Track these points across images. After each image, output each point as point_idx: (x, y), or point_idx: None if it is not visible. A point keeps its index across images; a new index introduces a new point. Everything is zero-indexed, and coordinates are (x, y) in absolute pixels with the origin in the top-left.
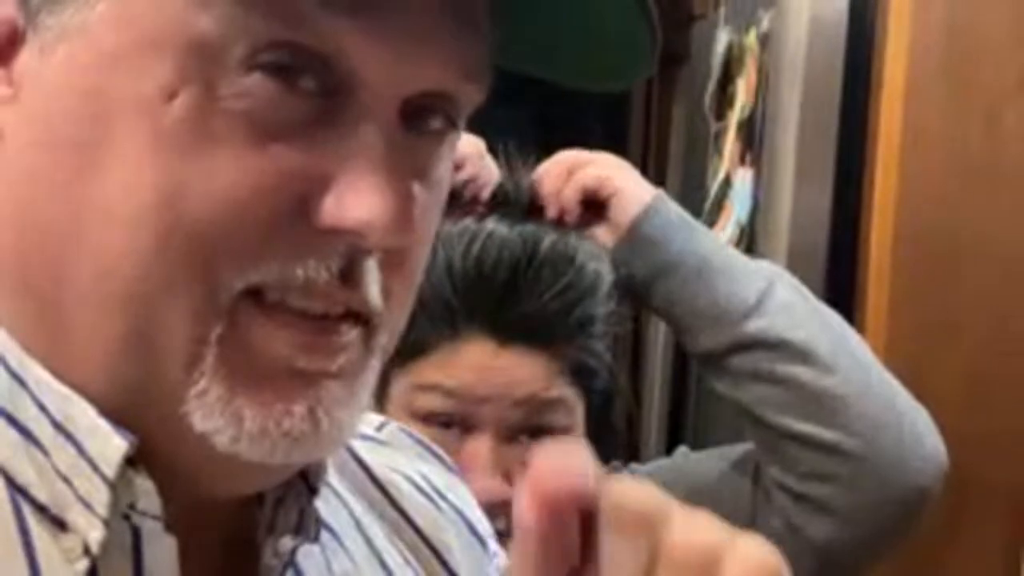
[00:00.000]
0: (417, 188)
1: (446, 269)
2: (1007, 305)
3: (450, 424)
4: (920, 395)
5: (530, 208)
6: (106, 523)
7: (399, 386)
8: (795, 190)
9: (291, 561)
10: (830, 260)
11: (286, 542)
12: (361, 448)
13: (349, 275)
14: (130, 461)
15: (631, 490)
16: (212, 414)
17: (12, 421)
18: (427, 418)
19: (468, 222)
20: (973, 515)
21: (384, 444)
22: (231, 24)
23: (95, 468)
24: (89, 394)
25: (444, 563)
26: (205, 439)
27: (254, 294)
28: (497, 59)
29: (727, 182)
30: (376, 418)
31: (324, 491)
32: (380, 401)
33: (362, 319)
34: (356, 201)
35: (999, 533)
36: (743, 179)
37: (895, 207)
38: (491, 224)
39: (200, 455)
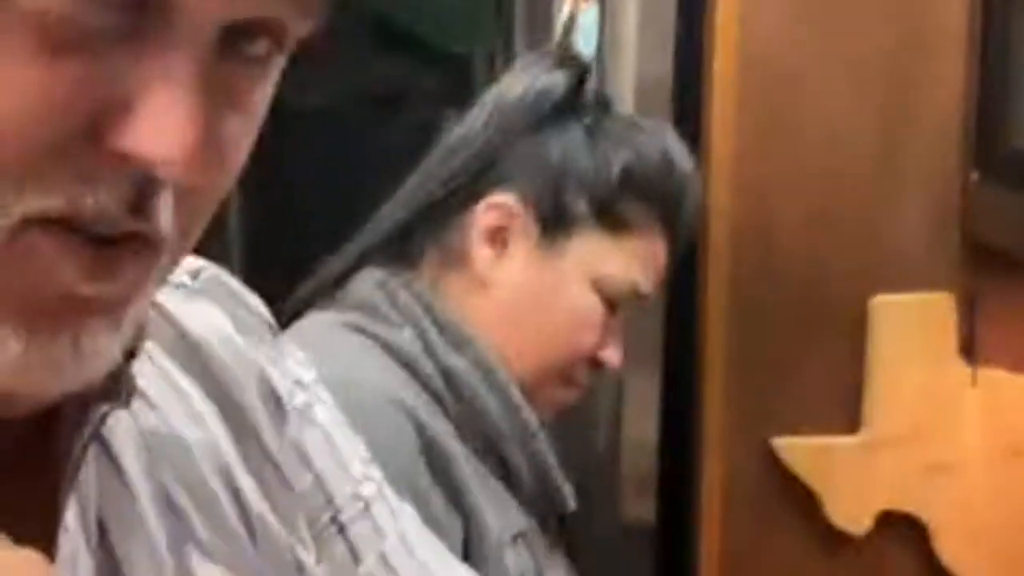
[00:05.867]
0: (230, 118)
1: (667, 168)
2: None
3: None
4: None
5: None
6: None
7: (591, 246)
8: (640, 23)
9: (97, 431)
10: (676, 92)
11: (96, 410)
12: (173, 298)
13: (140, 205)
14: None
15: None
16: None
17: None
18: (602, 291)
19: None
20: (821, 329)
21: (199, 293)
22: None
23: None
24: None
25: (245, 421)
26: None
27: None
28: None
29: (572, 19)
30: (194, 263)
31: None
32: (553, 236)
33: (147, 241)
34: (155, 132)
35: (844, 343)
36: (588, 15)
37: (737, 37)
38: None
39: None
